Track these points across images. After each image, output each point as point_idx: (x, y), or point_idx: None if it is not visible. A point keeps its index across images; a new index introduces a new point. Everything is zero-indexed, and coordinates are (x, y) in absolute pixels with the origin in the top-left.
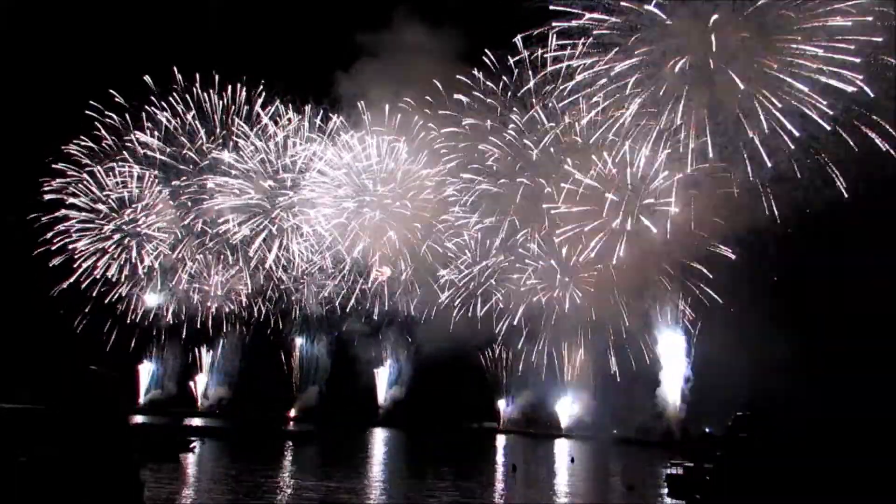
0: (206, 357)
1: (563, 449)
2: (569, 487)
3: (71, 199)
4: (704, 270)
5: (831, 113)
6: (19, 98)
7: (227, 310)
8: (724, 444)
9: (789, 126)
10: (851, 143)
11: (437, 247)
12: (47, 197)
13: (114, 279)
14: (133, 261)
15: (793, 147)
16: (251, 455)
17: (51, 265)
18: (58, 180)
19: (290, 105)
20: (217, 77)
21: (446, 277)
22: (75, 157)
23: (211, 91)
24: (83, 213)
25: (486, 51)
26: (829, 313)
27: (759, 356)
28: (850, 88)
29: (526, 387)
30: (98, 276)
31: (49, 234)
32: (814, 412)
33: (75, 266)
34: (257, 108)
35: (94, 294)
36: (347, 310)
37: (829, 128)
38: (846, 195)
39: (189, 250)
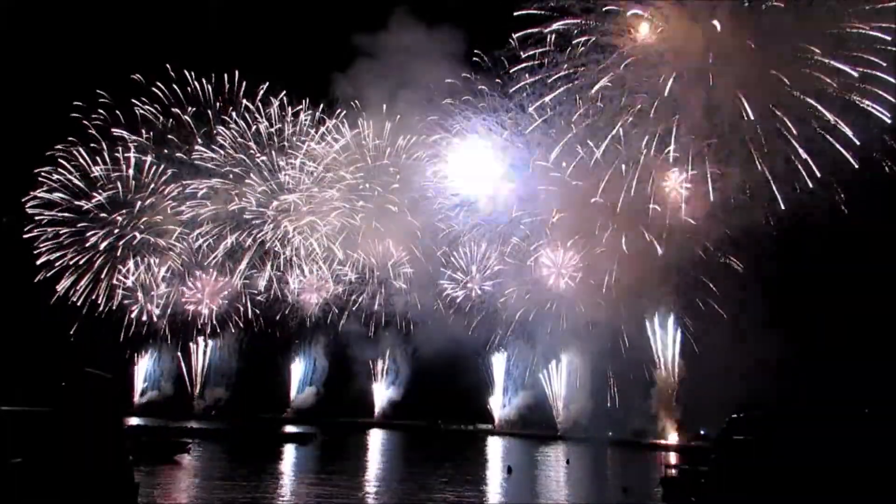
0: (201, 359)
1: (558, 451)
2: (564, 489)
3: (59, 201)
4: (704, 279)
5: (857, 143)
6: (15, 97)
7: (223, 314)
8: (719, 445)
9: (804, 154)
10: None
11: (436, 250)
12: (31, 203)
13: (100, 298)
14: (124, 271)
15: (812, 185)
16: (248, 457)
17: (36, 280)
18: (44, 187)
19: (289, 107)
20: (213, 77)
21: (444, 283)
22: (63, 161)
23: (207, 90)
24: (69, 214)
25: (482, 53)
26: (825, 314)
27: (755, 357)
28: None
29: (523, 389)
30: (77, 300)
31: (36, 243)
32: (810, 413)
33: (58, 287)
34: (253, 109)
35: (84, 310)
36: (346, 311)
37: (856, 165)
38: (844, 208)
39: (184, 253)
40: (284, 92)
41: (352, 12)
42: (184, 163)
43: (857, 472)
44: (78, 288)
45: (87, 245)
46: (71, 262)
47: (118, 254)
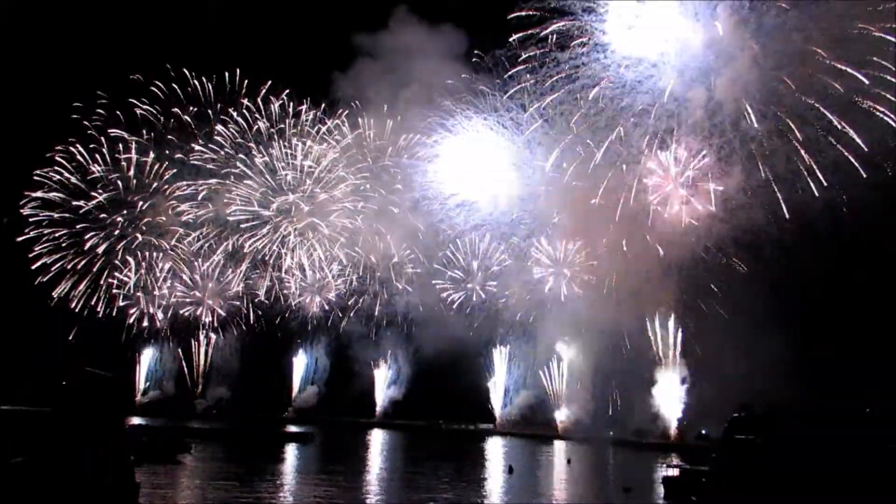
0: (203, 358)
1: (559, 451)
2: (566, 489)
3: (57, 201)
4: (706, 280)
5: (863, 146)
6: (14, 97)
7: (225, 314)
8: (720, 445)
9: (806, 155)
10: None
11: (437, 251)
12: (31, 205)
13: (100, 304)
14: (125, 272)
15: (818, 194)
16: (250, 457)
17: (37, 282)
18: (43, 188)
19: (289, 107)
20: (214, 77)
21: (445, 284)
22: (64, 161)
23: (208, 89)
24: (68, 215)
25: (482, 53)
26: (826, 314)
27: (756, 358)
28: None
29: (524, 388)
30: (76, 306)
31: (34, 246)
32: (810, 413)
33: (55, 293)
34: (254, 109)
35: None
36: (347, 312)
37: (863, 173)
38: (845, 209)
39: (185, 254)
40: (287, 91)
41: (352, 12)
42: (184, 163)
43: (857, 471)
44: (75, 293)
45: (86, 248)
46: (69, 266)
47: (118, 256)
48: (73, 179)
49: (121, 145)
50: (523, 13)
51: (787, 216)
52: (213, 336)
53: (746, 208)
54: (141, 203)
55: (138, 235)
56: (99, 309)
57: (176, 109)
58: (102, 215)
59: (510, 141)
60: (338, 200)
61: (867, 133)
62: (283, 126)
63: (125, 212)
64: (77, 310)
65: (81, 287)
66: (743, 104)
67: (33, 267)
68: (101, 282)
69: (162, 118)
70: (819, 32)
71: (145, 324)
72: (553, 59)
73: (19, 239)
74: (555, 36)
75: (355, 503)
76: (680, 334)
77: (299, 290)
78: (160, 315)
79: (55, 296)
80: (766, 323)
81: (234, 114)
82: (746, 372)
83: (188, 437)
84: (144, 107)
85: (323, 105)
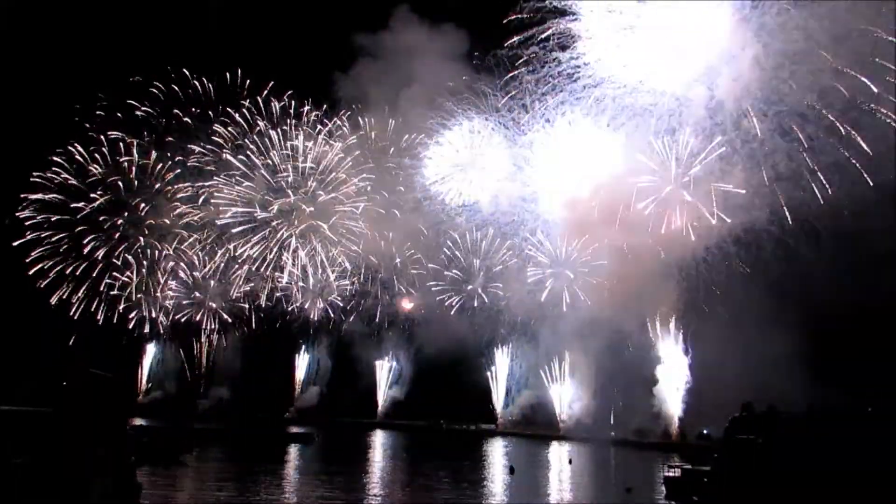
0: (205, 359)
1: (561, 451)
2: (567, 489)
3: (57, 203)
4: (707, 280)
5: (867, 149)
6: (14, 99)
7: (227, 315)
8: (721, 445)
9: (809, 160)
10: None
11: (439, 251)
12: (31, 208)
13: (100, 311)
14: (126, 274)
15: (819, 194)
16: (251, 457)
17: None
18: (43, 191)
19: (290, 108)
20: (216, 79)
21: (446, 284)
22: (65, 163)
23: (209, 90)
24: (68, 217)
25: (483, 53)
26: (827, 314)
27: (757, 357)
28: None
29: (525, 388)
30: (75, 314)
31: (33, 250)
32: (812, 413)
33: (52, 300)
34: (255, 111)
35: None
36: (349, 312)
37: (866, 175)
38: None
39: (186, 256)
40: (289, 92)
41: (353, 12)
42: (185, 164)
43: (857, 471)
44: (75, 299)
45: (85, 252)
46: (67, 272)
47: (118, 259)
48: (73, 181)
49: (121, 146)
50: (524, 14)
51: (789, 216)
52: (216, 333)
53: (747, 208)
54: (142, 205)
55: (140, 238)
56: (99, 316)
57: (176, 110)
58: (102, 217)
59: (511, 141)
60: (340, 202)
61: (868, 133)
62: (284, 127)
63: (126, 214)
64: (76, 317)
65: (80, 293)
66: (744, 104)
67: (31, 272)
68: (101, 287)
69: (163, 119)
70: (821, 32)
71: (146, 331)
72: (554, 59)
73: (18, 243)
74: (556, 36)
75: (357, 503)
76: (681, 334)
77: (301, 292)
78: (162, 318)
79: (52, 302)
80: (767, 323)
81: (235, 115)
82: (747, 372)
83: (190, 438)
84: (145, 108)
85: (324, 106)
